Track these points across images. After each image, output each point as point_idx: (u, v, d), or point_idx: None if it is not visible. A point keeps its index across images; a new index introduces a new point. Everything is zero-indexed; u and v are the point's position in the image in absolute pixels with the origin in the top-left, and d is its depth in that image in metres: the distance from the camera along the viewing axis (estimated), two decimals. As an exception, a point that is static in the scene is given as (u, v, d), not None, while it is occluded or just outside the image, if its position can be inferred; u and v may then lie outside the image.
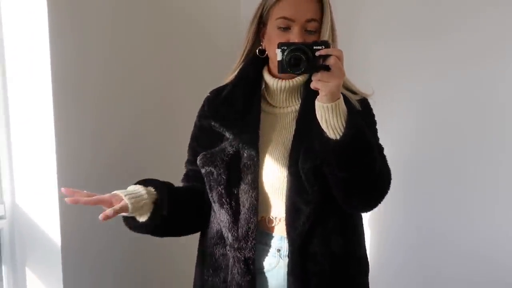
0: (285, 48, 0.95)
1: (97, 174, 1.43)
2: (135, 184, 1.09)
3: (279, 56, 0.96)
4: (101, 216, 0.95)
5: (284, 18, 1.05)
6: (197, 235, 1.22)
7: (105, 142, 1.48)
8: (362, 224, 1.17)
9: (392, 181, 1.08)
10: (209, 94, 1.19)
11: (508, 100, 1.78)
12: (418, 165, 1.91)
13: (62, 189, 1.00)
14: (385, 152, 1.12)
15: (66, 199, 0.97)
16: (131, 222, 1.08)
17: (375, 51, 1.96)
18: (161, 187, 1.09)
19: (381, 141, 1.14)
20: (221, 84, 1.19)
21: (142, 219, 1.06)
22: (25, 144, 1.33)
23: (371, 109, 1.15)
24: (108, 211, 0.96)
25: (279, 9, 1.06)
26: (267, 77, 1.13)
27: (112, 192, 1.03)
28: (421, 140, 1.92)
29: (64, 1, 1.32)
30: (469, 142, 1.84)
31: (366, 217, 1.80)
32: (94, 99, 1.44)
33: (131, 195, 1.02)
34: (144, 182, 1.09)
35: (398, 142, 1.81)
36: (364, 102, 1.13)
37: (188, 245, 1.29)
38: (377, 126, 1.16)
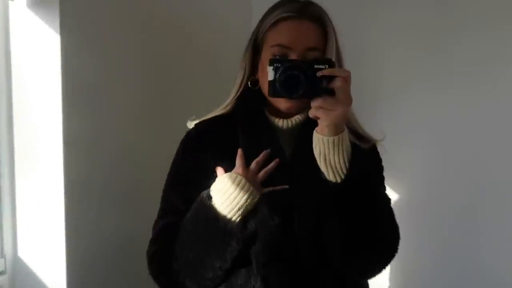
0: (279, 65, 0.74)
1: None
2: None
3: (270, 76, 0.75)
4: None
5: (280, 45, 0.84)
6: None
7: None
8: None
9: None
10: (195, 127, 0.96)
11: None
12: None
13: None
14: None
15: None
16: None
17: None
18: None
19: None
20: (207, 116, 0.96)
21: None
22: (29, 194, 1.26)
23: (378, 154, 0.96)
24: None
25: (275, 35, 0.86)
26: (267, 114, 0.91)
27: None
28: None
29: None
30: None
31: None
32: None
33: None
34: None
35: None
36: (372, 147, 0.94)
37: None
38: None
